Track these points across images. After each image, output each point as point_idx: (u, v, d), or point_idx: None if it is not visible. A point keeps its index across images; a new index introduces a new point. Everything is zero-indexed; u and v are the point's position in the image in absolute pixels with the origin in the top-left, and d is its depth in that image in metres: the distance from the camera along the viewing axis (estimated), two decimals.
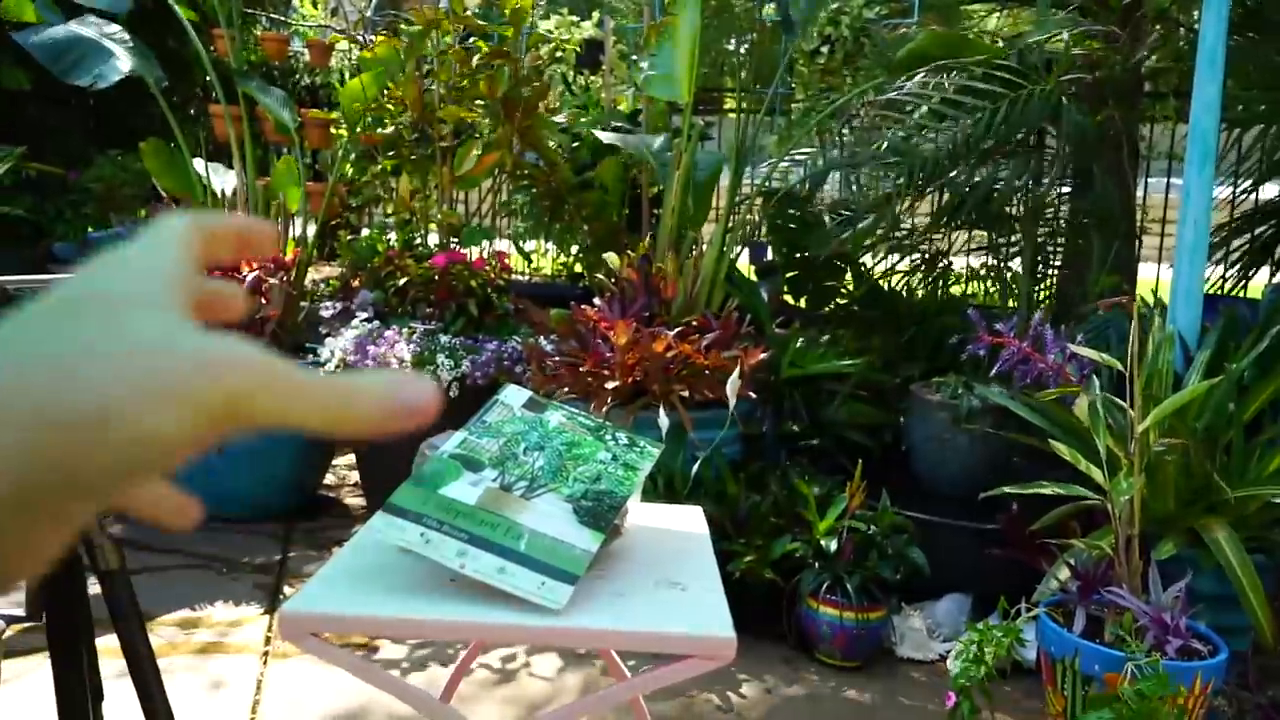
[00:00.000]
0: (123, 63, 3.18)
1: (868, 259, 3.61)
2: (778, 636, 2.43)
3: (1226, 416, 2.16)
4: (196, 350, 0.24)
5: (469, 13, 3.48)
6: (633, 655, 1.96)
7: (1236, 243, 3.12)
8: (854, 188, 4.00)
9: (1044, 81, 2.46)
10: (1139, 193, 3.07)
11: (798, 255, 3.36)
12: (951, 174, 2.51)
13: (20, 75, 3.78)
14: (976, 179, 2.52)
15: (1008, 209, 2.50)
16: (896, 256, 3.97)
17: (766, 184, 3.64)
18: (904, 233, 3.63)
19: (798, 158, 3.67)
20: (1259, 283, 3.19)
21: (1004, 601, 2.12)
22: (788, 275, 3.49)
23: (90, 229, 3.97)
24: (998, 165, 2.49)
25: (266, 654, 2.30)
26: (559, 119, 3.85)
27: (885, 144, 2.64)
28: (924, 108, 2.58)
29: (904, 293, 3.50)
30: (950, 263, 3.22)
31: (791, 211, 3.43)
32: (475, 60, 3.42)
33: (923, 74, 2.58)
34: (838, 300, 3.41)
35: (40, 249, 4.05)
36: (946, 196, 3.20)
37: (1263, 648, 1.91)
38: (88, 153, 4.11)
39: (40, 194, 3.99)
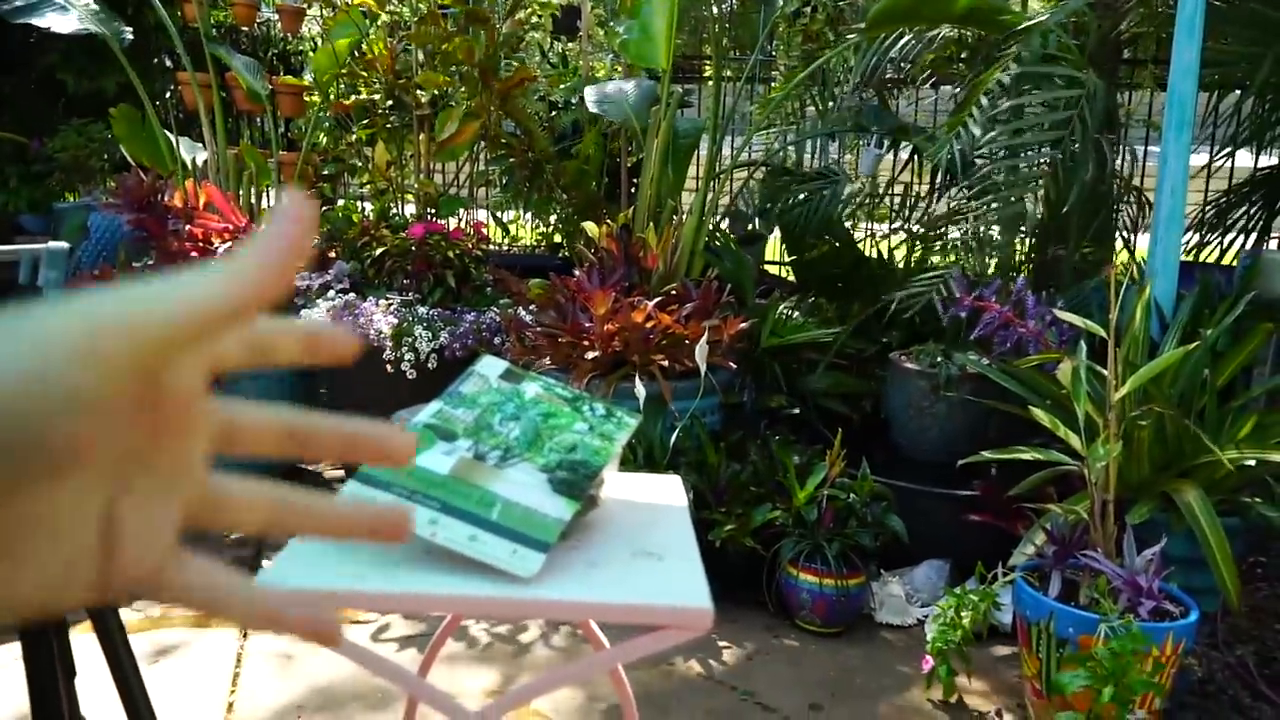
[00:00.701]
0: (79, 16, 3.11)
1: (848, 225, 3.59)
2: (758, 604, 2.45)
3: (1200, 383, 2.18)
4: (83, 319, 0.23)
5: None
6: (612, 625, 1.97)
7: (1236, 214, 3.12)
8: (836, 154, 3.98)
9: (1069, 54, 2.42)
10: (1118, 161, 3.07)
11: (791, 226, 3.34)
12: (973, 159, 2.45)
13: None
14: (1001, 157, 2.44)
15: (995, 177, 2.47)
16: (877, 224, 3.97)
17: (747, 152, 3.61)
18: (884, 200, 3.62)
19: (781, 126, 3.64)
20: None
21: (981, 567, 2.14)
22: (789, 245, 3.47)
23: (52, 199, 3.88)
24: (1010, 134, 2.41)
25: (245, 629, 2.29)
26: (538, 86, 3.79)
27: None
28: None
29: (885, 260, 3.50)
30: (941, 230, 3.21)
31: (785, 179, 3.40)
32: (450, 24, 3.35)
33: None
34: (828, 270, 3.39)
35: (1, 221, 3.96)
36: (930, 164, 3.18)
37: (1231, 609, 1.94)
38: (49, 121, 4.01)
39: None
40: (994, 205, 2.49)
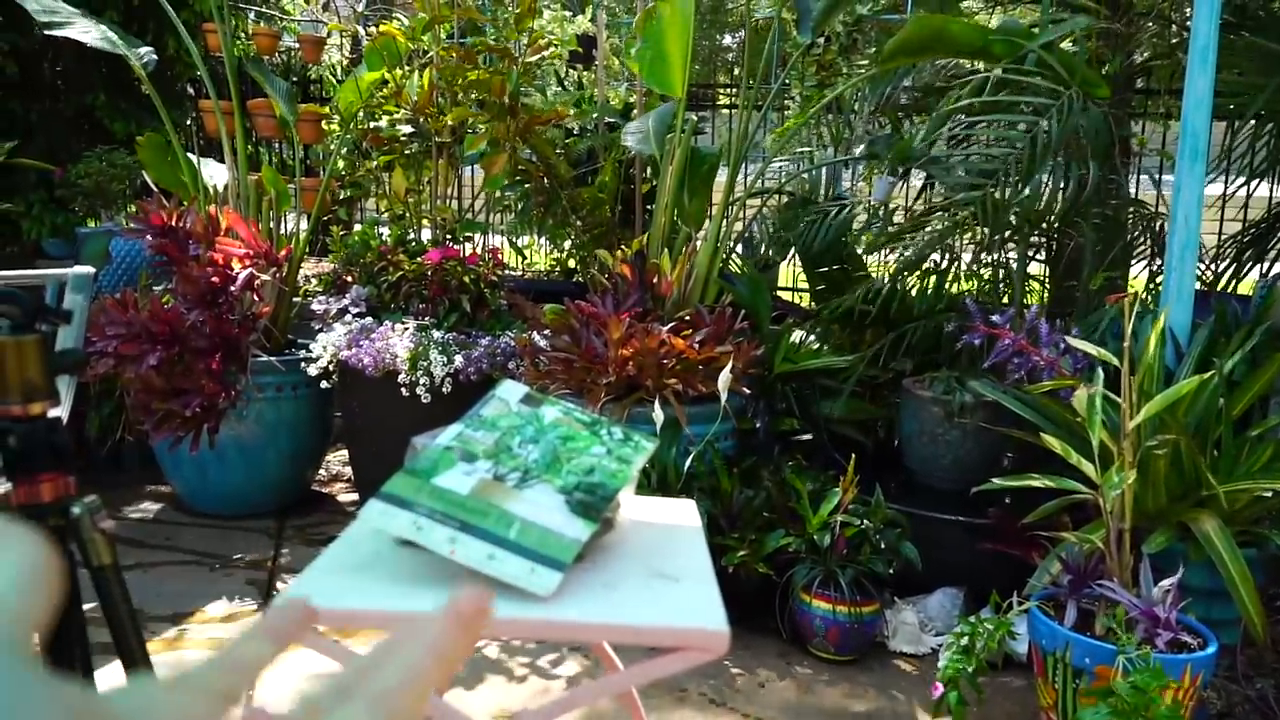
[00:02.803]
0: (106, 35, 3.19)
1: (862, 254, 3.61)
2: (771, 630, 2.44)
3: (1216, 412, 2.17)
4: None
5: (471, 3, 3.48)
6: (626, 648, 1.97)
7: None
8: (851, 183, 4.01)
9: (1070, 85, 2.46)
10: (1131, 189, 3.08)
11: (809, 254, 3.37)
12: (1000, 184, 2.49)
13: (9, 60, 3.76)
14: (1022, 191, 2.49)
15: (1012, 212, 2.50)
16: (890, 253, 3.98)
17: (760, 181, 3.64)
18: (899, 229, 3.64)
19: (795, 154, 3.68)
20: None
21: (996, 595, 2.13)
22: (815, 272, 3.49)
23: (76, 225, 3.94)
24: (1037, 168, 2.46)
25: None
26: (567, 121, 3.85)
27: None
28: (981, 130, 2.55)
29: (898, 288, 3.51)
30: (956, 259, 3.23)
31: (798, 208, 3.43)
32: (480, 57, 3.41)
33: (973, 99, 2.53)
34: (842, 298, 3.41)
35: (25, 246, 4.02)
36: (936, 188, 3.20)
37: (1251, 641, 1.92)
38: (72, 148, 4.09)
39: (17, 191, 3.97)
40: (944, 217, 2.54)
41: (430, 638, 0.27)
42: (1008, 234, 2.61)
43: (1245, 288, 3.18)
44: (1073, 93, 2.45)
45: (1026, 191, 2.45)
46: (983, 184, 2.48)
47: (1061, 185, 2.51)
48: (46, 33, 3.15)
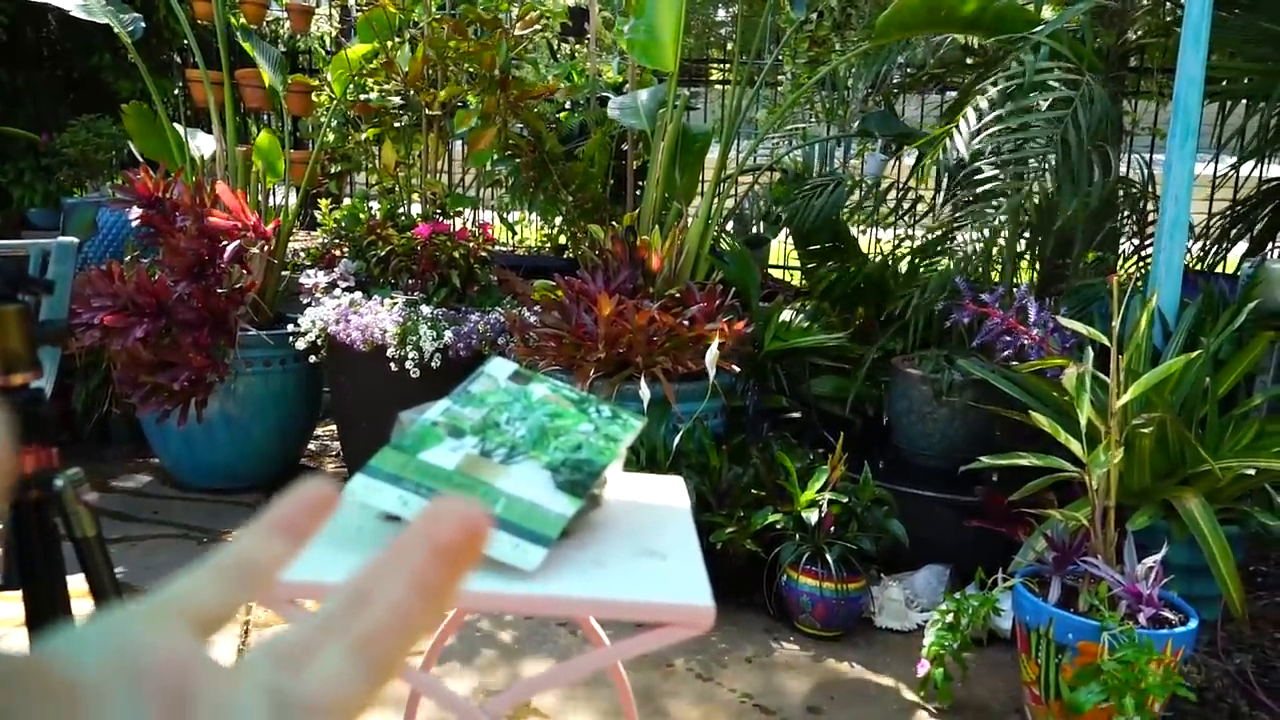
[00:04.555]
0: (90, 2, 3.15)
1: (854, 231, 3.60)
2: (758, 607, 2.45)
3: (1202, 391, 2.18)
4: None
5: None
6: (613, 624, 1.98)
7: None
8: (841, 160, 3.99)
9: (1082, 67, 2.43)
10: (1122, 169, 3.08)
11: (802, 232, 3.36)
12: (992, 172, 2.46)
13: None
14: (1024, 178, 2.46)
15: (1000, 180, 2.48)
16: (881, 230, 3.97)
17: (753, 158, 3.62)
18: (893, 207, 3.63)
19: (788, 131, 3.65)
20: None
21: (981, 572, 2.15)
22: (807, 250, 3.48)
23: (61, 194, 3.90)
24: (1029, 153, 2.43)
25: (248, 623, 2.30)
26: (556, 94, 3.81)
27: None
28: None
29: (888, 265, 3.51)
30: (948, 237, 3.22)
31: (791, 184, 3.42)
32: (470, 29, 3.37)
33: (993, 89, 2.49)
34: (834, 275, 3.41)
35: (10, 214, 3.98)
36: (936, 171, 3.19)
37: (1231, 617, 1.95)
38: (58, 116, 4.03)
39: (4, 158, 3.92)
40: (989, 210, 2.51)
41: (415, 572, 0.23)
42: (1054, 225, 2.58)
43: (1232, 268, 3.19)
44: (1089, 79, 2.43)
45: (1058, 185, 2.42)
46: (1020, 177, 2.45)
47: (1040, 163, 2.49)
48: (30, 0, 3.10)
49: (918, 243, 3.40)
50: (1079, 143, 2.39)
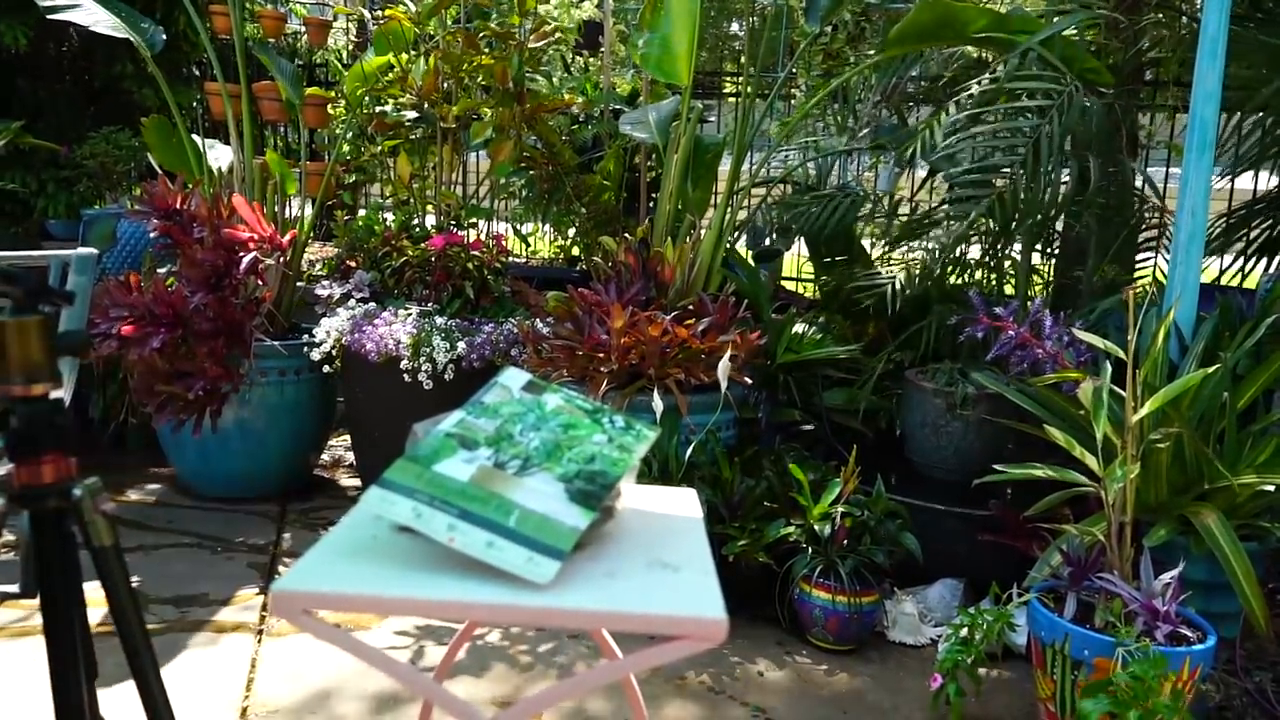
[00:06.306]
0: (112, 18, 3.19)
1: (867, 245, 3.60)
2: (771, 620, 2.44)
3: (1220, 406, 2.16)
4: None
5: None
6: (625, 637, 1.97)
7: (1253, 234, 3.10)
8: (854, 173, 3.99)
9: (1069, 77, 2.44)
10: (1138, 182, 3.07)
11: (815, 244, 3.36)
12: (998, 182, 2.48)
13: (20, 33, 3.74)
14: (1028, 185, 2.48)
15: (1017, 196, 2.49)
16: (896, 243, 3.96)
17: (765, 170, 3.62)
18: (904, 220, 3.62)
19: (801, 143, 3.66)
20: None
21: (996, 587, 2.13)
22: (823, 262, 3.48)
23: (82, 206, 3.94)
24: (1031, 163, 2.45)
25: (261, 632, 2.31)
26: (572, 108, 3.84)
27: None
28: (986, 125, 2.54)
29: (901, 278, 3.50)
30: (962, 252, 3.22)
31: (804, 196, 3.42)
32: (483, 42, 3.40)
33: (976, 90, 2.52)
34: (848, 287, 3.41)
35: (30, 225, 4.02)
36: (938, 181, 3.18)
37: (1250, 634, 1.92)
38: (79, 128, 4.08)
39: (28, 169, 3.96)
40: (966, 205, 2.52)
41: None
42: (1013, 227, 2.60)
43: (1250, 281, 3.16)
44: (1073, 86, 2.44)
45: (1031, 188, 2.44)
46: (989, 181, 2.47)
47: (1064, 179, 2.50)
48: (50, 17, 3.15)
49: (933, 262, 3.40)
50: (1051, 150, 2.40)
